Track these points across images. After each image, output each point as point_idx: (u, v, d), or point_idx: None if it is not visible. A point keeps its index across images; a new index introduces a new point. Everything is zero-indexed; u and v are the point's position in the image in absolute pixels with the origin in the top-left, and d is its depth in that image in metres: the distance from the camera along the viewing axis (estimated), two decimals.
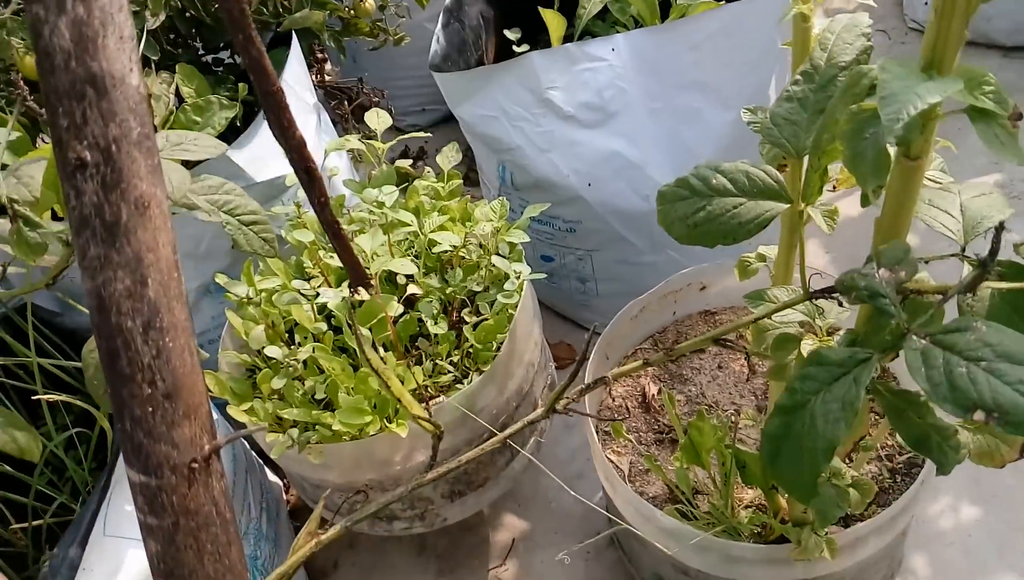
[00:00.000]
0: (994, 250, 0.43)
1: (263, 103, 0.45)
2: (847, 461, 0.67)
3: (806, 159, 0.50)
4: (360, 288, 0.53)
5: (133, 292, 0.35)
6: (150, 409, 0.36)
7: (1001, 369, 0.39)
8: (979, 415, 0.39)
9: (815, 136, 0.49)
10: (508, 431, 0.59)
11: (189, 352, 0.37)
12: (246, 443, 1.05)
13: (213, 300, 1.05)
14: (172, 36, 1.18)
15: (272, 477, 1.14)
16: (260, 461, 1.10)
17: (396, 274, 0.95)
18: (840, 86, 0.48)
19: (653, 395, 1.01)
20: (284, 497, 1.15)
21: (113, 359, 0.35)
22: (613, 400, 1.03)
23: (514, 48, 1.21)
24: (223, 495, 0.39)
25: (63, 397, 0.71)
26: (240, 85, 1.13)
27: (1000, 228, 0.44)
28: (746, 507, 0.88)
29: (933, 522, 1.04)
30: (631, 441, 0.96)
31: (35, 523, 0.76)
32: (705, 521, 0.85)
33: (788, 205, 0.51)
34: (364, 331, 0.83)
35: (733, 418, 0.97)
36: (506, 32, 1.25)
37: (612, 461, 0.94)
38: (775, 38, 1.12)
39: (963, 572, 0.99)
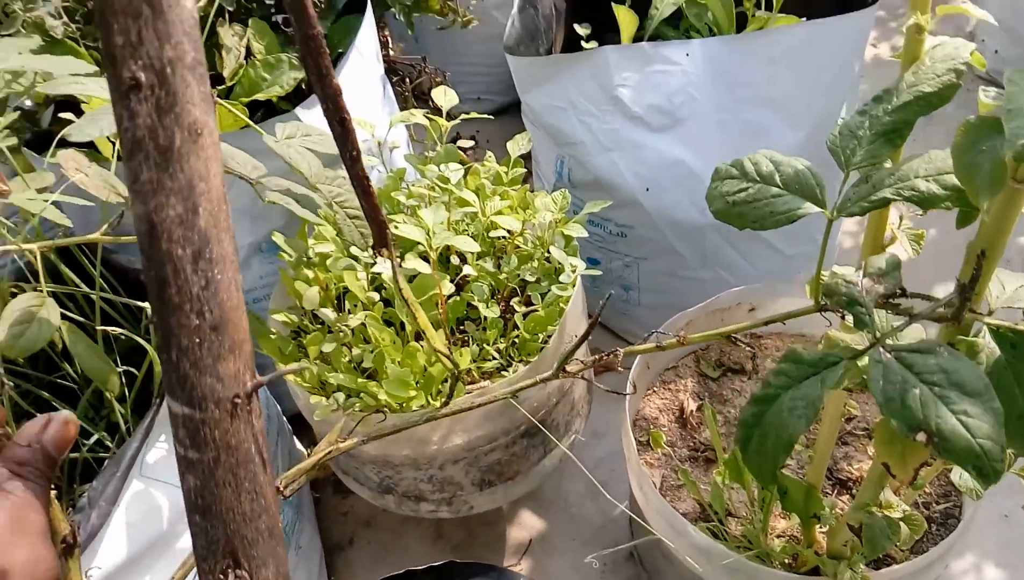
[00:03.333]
0: (975, 277, 0.44)
1: (301, 48, 0.44)
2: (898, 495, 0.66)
3: (853, 174, 0.52)
4: (384, 250, 0.56)
5: (184, 220, 0.34)
6: (197, 340, 0.35)
7: (950, 396, 0.41)
8: (921, 437, 0.40)
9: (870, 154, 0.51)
10: (515, 387, 0.62)
11: (236, 286, 0.37)
12: (278, 406, 1.05)
13: (263, 259, 1.05)
14: None
15: (298, 445, 1.13)
16: (290, 427, 1.09)
17: (449, 256, 0.95)
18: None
19: (691, 411, 1.00)
20: None
21: (162, 287, 0.35)
22: (642, 409, 1.01)
23: (583, 44, 1.20)
24: (261, 435, 0.39)
25: (126, 332, 0.70)
26: None
27: (982, 255, 0.44)
28: (778, 536, 0.86)
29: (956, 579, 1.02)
30: (669, 454, 0.95)
31: (71, 455, 0.76)
32: (737, 543, 0.84)
33: (821, 210, 0.52)
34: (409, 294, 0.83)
35: None
36: (576, 26, 1.24)
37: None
38: (852, 60, 1.11)
39: None
